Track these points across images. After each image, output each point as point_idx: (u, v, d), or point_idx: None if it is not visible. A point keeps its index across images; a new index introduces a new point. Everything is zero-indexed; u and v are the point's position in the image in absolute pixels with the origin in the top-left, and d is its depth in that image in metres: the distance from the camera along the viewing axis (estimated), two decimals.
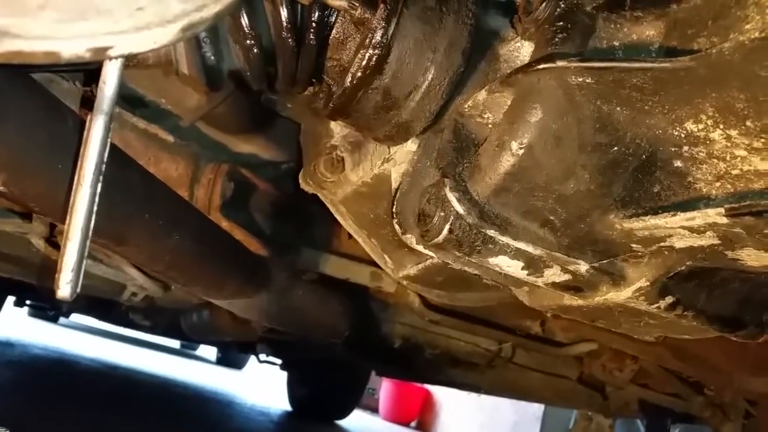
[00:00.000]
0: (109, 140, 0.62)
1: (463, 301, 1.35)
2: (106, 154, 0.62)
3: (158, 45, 0.46)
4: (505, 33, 0.82)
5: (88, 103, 1.13)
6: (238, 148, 1.52)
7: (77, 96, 1.18)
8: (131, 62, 0.51)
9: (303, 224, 1.66)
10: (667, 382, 1.98)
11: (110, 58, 0.48)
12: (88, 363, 4.99)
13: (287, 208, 1.61)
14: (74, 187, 0.61)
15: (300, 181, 1.24)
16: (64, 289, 0.59)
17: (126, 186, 0.87)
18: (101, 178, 0.62)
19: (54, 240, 1.54)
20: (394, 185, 0.99)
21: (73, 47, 0.43)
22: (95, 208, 0.62)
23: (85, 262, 0.60)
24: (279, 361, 4.47)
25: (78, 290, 0.60)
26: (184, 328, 2.61)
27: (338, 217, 1.25)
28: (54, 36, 0.43)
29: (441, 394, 7.32)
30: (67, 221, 0.60)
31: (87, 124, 0.62)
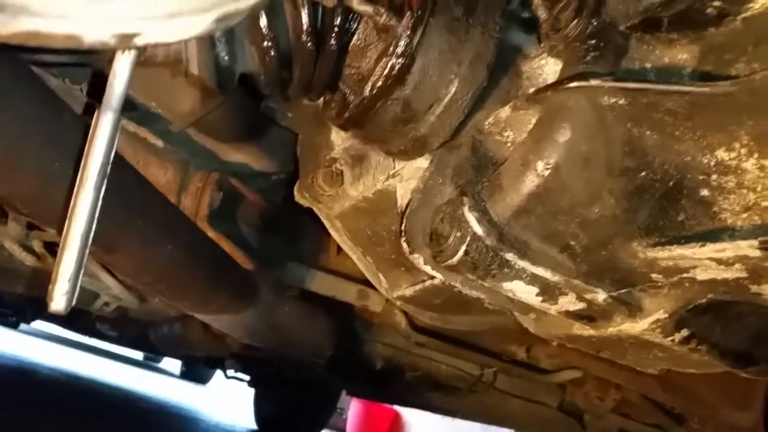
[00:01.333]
0: (117, 140, 0.57)
1: (456, 325, 1.31)
2: (112, 155, 0.57)
3: (189, 35, 0.42)
4: (528, 50, 0.80)
5: (90, 110, 1.07)
6: (228, 156, 1.46)
7: (65, 95, 1.12)
8: (141, 57, 0.46)
9: (291, 238, 1.61)
10: (649, 413, 1.96)
11: (136, 48, 0.43)
12: (47, 372, 4.81)
13: (276, 221, 1.56)
14: (76, 189, 0.56)
15: (295, 193, 1.19)
16: (59, 301, 0.53)
17: (121, 189, 0.81)
18: (105, 181, 0.58)
19: (28, 245, 1.46)
20: (401, 202, 0.96)
21: (97, 31, 0.39)
22: (97, 213, 0.57)
23: (83, 271, 0.55)
24: (247, 378, 4.36)
25: (74, 302, 0.55)
26: (152, 341, 2.52)
27: (333, 233, 1.20)
28: (77, 16, 0.38)
29: (410, 415, 7.24)
30: (65, 227, 0.55)
31: (94, 120, 0.57)
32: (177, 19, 0.41)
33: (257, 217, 1.53)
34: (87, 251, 0.56)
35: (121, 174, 0.82)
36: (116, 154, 0.85)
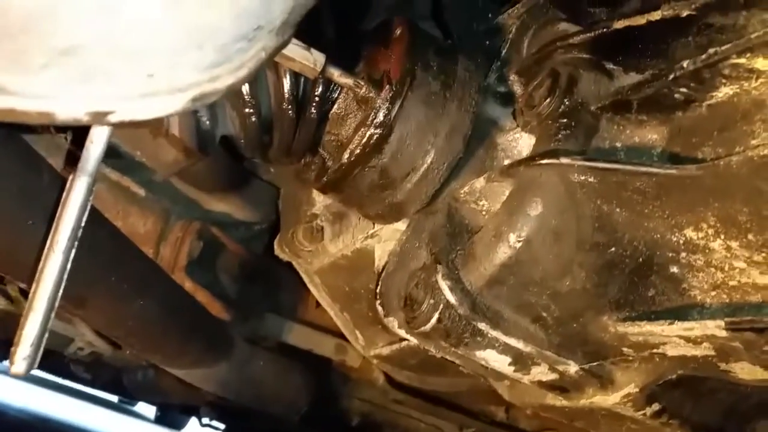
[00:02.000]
0: (89, 204, 0.58)
1: (433, 386, 1.30)
2: (84, 219, 0.57)
3: (164, 113, 0.43)
4: (504, 123, 0.82)
5: (72, 158, 1.07)
6: (211, 206, 1.46)
7: (48, 143, 1.12)
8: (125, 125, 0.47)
9: (270, 289, 1.59)
10: None
11: (110, 124, 0.44)
12: (16, 413, 4.66)
13: (255, 271, 1.54)
14: (45, 252, 0.56)
15: (275, 247, 1.19)
16: (19, 365, 0.53)
17: (95, 244, 0.81)
18: (76, 244, 0.57)
19: (2, 288, 1.44)
20: (378, 263, 0.96)
21: (70, 109, 0.40)
22: (65, 276, 0.57)
23: (46, 336, 0.55)
24: (222, 426, 4.25)
25: (35, 366, 0.54)
26: (126, 386, 2.47)
27: (311, 288, 1.20)
28: (52, 96, 0.39)
29: None
30: (32, 289, 0.54)
31: (68, 184, 0.57)
32: (151, 99, 0.42)
33: (237, 267, 1.52)
34: (53, 315, 0.55)
35: (96, 230, 0.82)
36: (93, 209, 0.85)
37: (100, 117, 0.42)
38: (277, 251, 1.18)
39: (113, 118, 0.42)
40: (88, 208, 0.58)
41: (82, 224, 0.58)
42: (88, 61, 0.37)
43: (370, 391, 1.78)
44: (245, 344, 1.39)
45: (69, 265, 0.58)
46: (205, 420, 3.99)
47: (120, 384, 2.54)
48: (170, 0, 0.36)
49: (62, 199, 0.57)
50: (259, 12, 0.41)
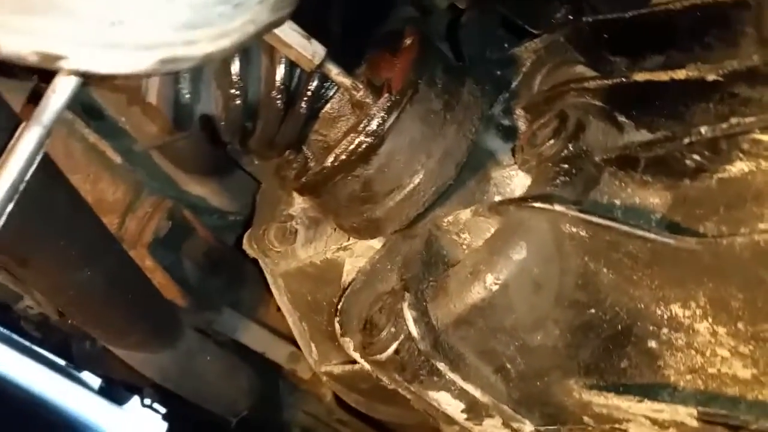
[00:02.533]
0: (37, 159, 0.52)
1: (381, 415, 1.24)
2: (28, 175, 0.52)
3: (126, 72, 0.38)
4: (501, 157, 0.78)
5: (35, 99, 1.01)
6: (188, 187, 1.41)
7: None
8: (90, 79, 0.42)
9: (232, 283, 1.53)
10: None
11: (62, 71, 0.39)
12: None
13: (221, 262, 1.49)
14: None
15: (244, 241, 1.14)
16: None
17: (48, 205, 0.75)
18: (16, 198, 0.52)
19: None
20: (346, 277, 0.91)
21: (14, 44, 0.34)
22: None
23: None
24: (163, 411, 4.14)
25: None
26: (74, 353, 2.39)
27: (274, 290, 1.15)
28: None
29: None
30: None
31: (18, 131, 0.52)
32: (113, 51, 0.37)
33: (202, 255, 1.46)
34: None
35: (53, 189, 0.76)
36: (54, 168, 0.80)
37: (50, 60, 0.37)
38: (245, 246, 1.13)
39: (66, 65, 0.37)
40: (36, 161, 0.52)
41: (26, 178, 0.52)
42: None
43: (316, 406, 1.72)
44: (195, 335, 1.33)
45: (4, 219, 0.52)
46: (147, 401, 3.89)
47: (68, 349, 2.47)
48: None
49: (8, 146, 0.52)
50: None
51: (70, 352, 2.49)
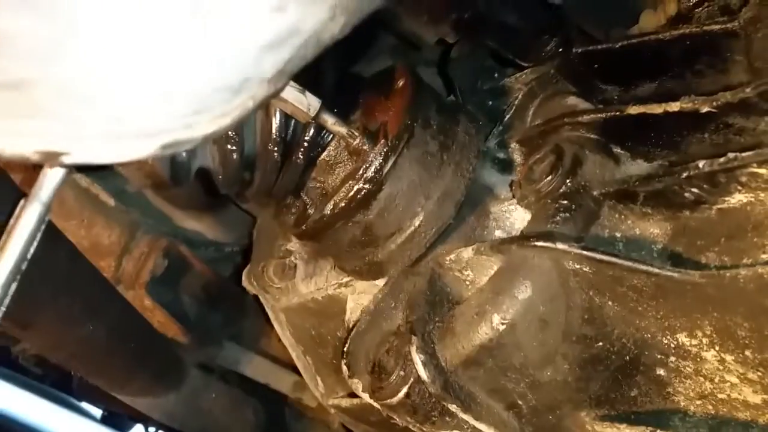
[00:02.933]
0: (39, 234, 0.52)
1: None
2: (31, 251, 0.51)
3: (127, 159, 0.38)
4: (499, 191, 0.78)
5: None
6: (183, 223, 1.40)
7: None
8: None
9: (233, 316, 1.52)
10: None
11: (65, 166, 0.39)
12: None
13: (220, 296, 1.48)
14: None
15: (243, 278, 1.13)
16: None
17: (48, 265, 0.75)
18: (18, 277, 0.51)
19: None
20: (350, 315, 0.91)
21: (16, 146, 0.34)
22: (3, 309, 0.51)
23: None
24: None
25: None
26: (74, 387, 2.37)
27: (276, 325, 1.14)
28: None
29: None
30: None
31: (18, 209, 0.51)
32: (115, 142, 0.36)
33: (201, 289, 1.45)
34: None
35: (53, 250, 0.76)
36: (53, 229, 0.79)
37: (52, 157, 0.36)
38: (245, 283, 1.12)
39: (68, 160, 0.37)
40: (38, 238, 0.52)
41: (27, 257, 0.52)
42: (35, 98, 0.31)
43: None
44: (198, 373, 1.32)
45: (8, 299, 0.52)
46: (152, 429, 3.86)
47: (69, 383, 2.44)
48: (132, 54, 0.31)
49: (9, 225, 0.51)
50: (246, 66, 0.36)
51: (71, 386, 2.47)
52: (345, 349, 0.82)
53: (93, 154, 0.37)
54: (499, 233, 0.75)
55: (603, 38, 0.73)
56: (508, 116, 0.80)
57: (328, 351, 1.08)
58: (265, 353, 1.53)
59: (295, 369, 1.53)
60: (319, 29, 0.36)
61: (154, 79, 0.32)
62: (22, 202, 0.52)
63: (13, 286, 0.52)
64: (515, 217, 0.75)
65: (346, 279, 0.93)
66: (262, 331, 1.53)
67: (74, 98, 0.31)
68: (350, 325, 0.86)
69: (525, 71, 0.80)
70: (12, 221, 0.52)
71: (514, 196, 0.74)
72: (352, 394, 1.08)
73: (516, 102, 0.79)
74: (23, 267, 0.52)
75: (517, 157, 0.77)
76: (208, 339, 1.45)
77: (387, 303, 0.83)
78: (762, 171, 0.55)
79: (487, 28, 0.81)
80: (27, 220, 0.51)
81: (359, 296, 0.91)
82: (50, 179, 0.51)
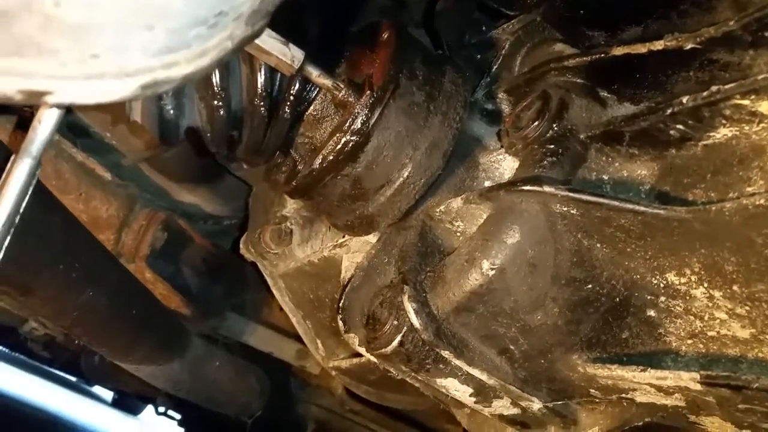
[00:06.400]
0: (30, 189, 0.52)
1: (392, 403, 1.26)
2: (23, 205, 0.52)
3: (109, 99, 0.38)
4: (488, 142, 0.78)
5: (24, 125, 1.01)
6: (180, 196, 1.41)
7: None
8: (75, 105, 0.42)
9: (234, 287, 1.54)
10: None
11: (47, 105, 0.39)
12: None
13: (220, 268, 1.49)
14: None
15: (241, 246, 1.14)
16: None
17: (44, 231, 0.75)
18: (12, 231, 0.52)
19: None
20: (345, 274, 0.92)
21: (0, 85, 0.35)
22: None
23: None
24: (178, 417, 4.16)
25: None
26: (83, 369, 2.40)
27: (275, 291, 1.15)
28: None
29: None
30: None
31: (8, 165, 0.52)
32: (95, 81, 0.37)
33: (201, 262, 1.46)
34: None
35: (49, 216, 0.77)
36: (47, 192, 0.80)
37: (35, 97, 0.37)
38: (243, 251, 1.13)
39: (51, 100, 0.37)
40: (30, 192, 0.53)
41: (20, 211, 0.52)
42: (17, 31, 0.32)
43: (328, 399, 1.73)
44: (202, 343, 1.33)
45: (2, 253, 0.52)
46: (161, 409, 3.91)
47: (77, 365, 2.48)
48: None
49: (0, 181, 0.52)
50: None
51: (80, 369, 2.51)
52: (340, 304, 0.83)
53: (75, 93, 0.37)
54: (488, 184, 0.75)
55: None
56: (495, 67, 0.80)
57: (327, 314, 1.10)
58: (268, 323, 1.55)
59: (297, 338, 1.55)
60: None
61: (134, 10, 0.33)
62: (12, 157, 0.53)
63: (8, 239, 0.52)
64: (504, 167, 0.75)
65: (340, 240, 0.94)
66: (264, 302, 1.55)
67: (54, 31, 0.32)
68: (345, 283, 0.87)
69: (512, 21, 0.80)
70: (3, 176, 0.52)
71: (502, 146, 0.74)
72: (352, 355, 1.10)
73: (503, 52, 0.79)
74: (16, 220, 0.52)
75: (505, 107, 0.77)
76: (211, 311, 1.47)
77: (380, 258, 0.83)
78: (745, 102, 0.55)
79: None
80: (18, 174, 0.52)
81: (353, 255, 0.92)
82: (40, 134, 0.51)
